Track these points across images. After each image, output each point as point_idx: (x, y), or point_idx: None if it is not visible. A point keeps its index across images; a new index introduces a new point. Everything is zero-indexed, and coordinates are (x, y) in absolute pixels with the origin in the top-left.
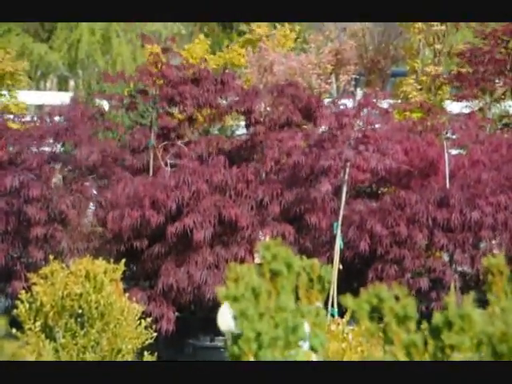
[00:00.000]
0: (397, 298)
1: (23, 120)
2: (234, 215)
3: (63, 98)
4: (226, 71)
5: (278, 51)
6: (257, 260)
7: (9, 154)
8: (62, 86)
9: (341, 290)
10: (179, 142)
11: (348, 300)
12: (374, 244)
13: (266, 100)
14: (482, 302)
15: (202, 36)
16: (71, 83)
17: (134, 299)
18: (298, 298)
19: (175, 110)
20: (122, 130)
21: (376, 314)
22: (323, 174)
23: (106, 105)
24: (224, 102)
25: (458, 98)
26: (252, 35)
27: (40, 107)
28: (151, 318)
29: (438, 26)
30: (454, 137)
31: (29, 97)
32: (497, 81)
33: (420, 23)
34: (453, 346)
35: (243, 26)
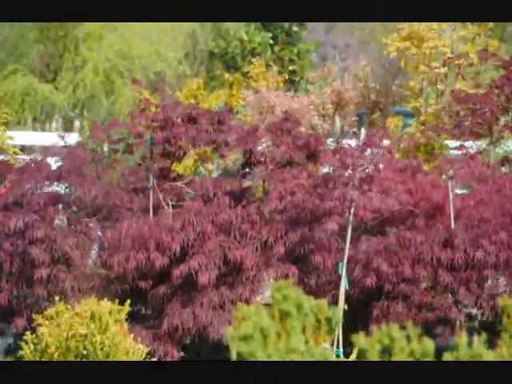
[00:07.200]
0: (408, 339)
1: (26, 160)
2: (240, 256)
3: (67, 138)
4: (224, 108)
5: (271, 91)
6: (261, 300)
7: (13, 195)
8: (67, 126)
9: (346, 330)
10: (179, 183)
11: (360, 339)
12: (380, 282)
13: (267, 139)
14: (489, 342)
15: (189, 79)
16: (76, 124)
17: (139, 339)
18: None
19: (172, 150)
20: (122, 170)
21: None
22: (328, 214)
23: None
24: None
25: (459, 149)
26: (244, 75)
27: (44, 148)
28: (156, 358)
29: (439, 69)
30: (457, 176)
31: (33, 137)
32: (500, 118)
33: (422, 66)
34: None
35: (247, 67)
